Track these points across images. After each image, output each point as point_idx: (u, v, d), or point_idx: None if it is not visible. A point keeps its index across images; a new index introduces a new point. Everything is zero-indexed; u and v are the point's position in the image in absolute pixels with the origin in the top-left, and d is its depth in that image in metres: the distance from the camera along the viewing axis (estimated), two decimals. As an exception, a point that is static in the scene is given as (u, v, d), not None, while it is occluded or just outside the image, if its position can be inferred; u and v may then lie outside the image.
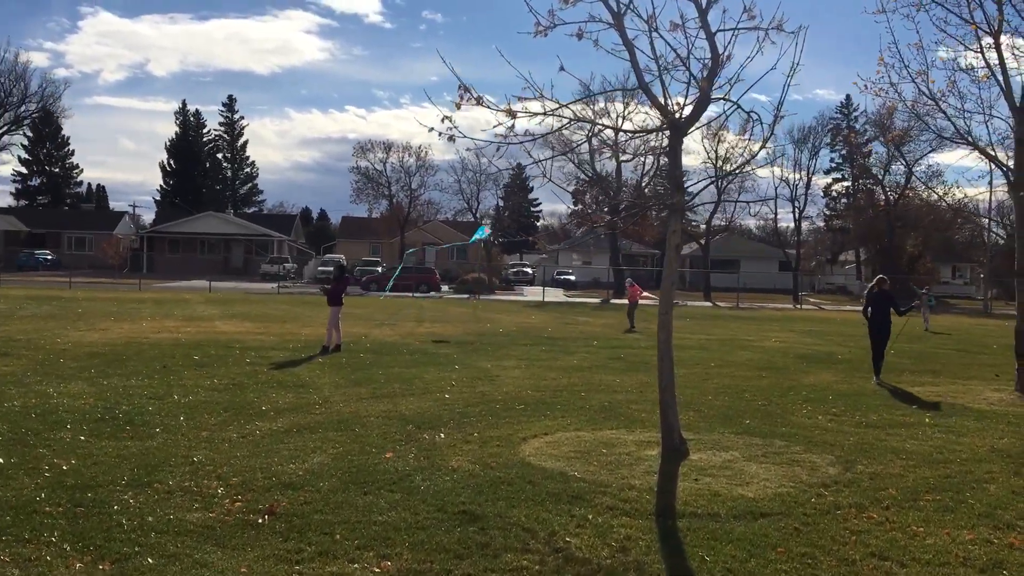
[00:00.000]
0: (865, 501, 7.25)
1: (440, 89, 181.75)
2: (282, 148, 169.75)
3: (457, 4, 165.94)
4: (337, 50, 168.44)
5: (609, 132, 8.78)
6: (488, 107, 8.60)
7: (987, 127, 14.82)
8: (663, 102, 8.82)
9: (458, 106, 8.69)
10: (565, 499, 7.04)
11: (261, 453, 8.36)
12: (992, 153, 14.25)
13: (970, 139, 14.08)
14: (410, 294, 50.26)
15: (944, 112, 13.81)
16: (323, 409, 10.89)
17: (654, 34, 8.62)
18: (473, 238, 22.49)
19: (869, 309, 16.09)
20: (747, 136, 9.23)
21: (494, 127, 8.41)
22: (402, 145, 71.93)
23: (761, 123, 8.88)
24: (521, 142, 8.99)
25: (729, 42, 8.71)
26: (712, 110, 9.04)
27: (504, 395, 12.43)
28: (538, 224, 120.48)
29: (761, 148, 8.87)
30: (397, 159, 71.51)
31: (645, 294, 63.89)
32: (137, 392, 11.69)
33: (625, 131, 8.26)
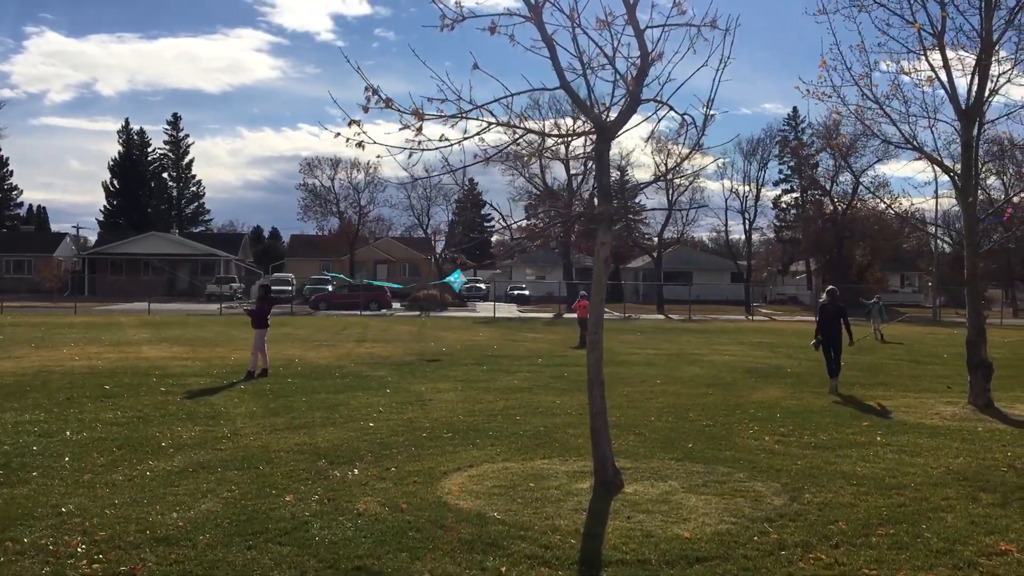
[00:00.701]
0: (812, 538, 6.54)
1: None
2: (234, 167, 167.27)
3: (409, 22, 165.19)
4: (289, 68, 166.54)
5: (534, 137, 8.18)
6: (397, 110, 7.84)
7: (932, 132, 14.41)
8: (588, 104, 8.12)
9: (365, 109, 7.91)
10: (479, 547, 6.23)
11: (144, 499, 7.42)
12: (938, 158, 13.81)
13: (915, 144, 13.63)
14: (358, 312, 49.15)
15: (888, 116, 13.34)
16: (230, 444, 9.95)
17: (577, 30, 7.94)
18: (453, 283, 21.64)
19: (819, 332, 15.81)
20: (682, 140, 8.55)
21: (400, 129, 7.63)
22: (350, 162, 70.64)
23: (695, 125, 8.21)
24: (437, 147, 8.22)
25: (659, 39, 8.05)
26: (649, 114, 8.35)
27: (433, 422, 11.59)
28: (492, 239, 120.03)
29: (692, 151, 8.19)
30: (346, 176, 70.32)
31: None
32: (27, 428, 10.64)
33: (550, 135, 7.68)
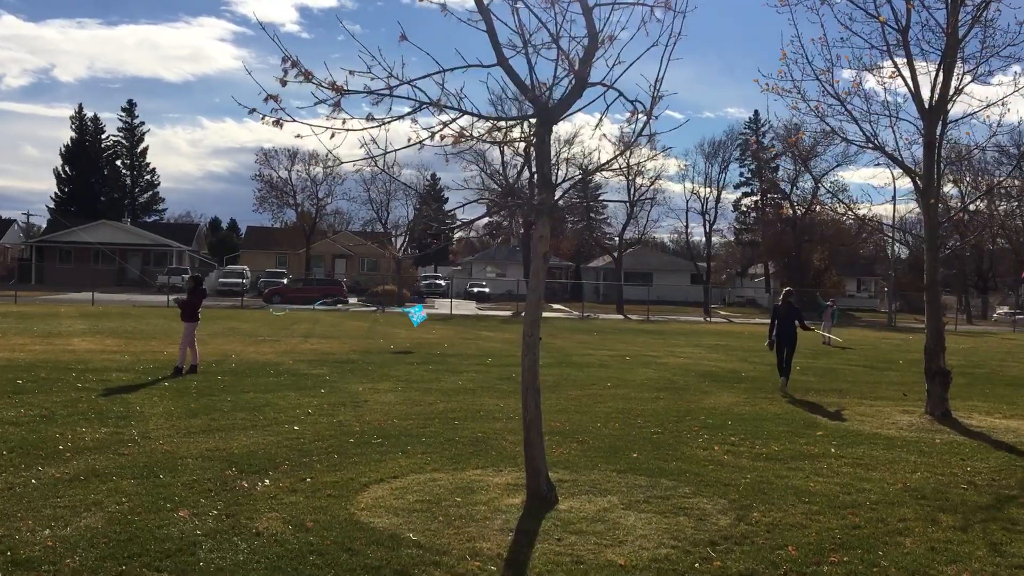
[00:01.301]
0: (759, 566, 5.92)
1: (359, 99, 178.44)
2: (194, 157, 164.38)
3: (374, 15, 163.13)
4: (252, 59, 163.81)
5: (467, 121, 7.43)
6: (316, 83, 7.11)
7: (894, 133, 13.95)
8: (529, 84, 7.43)
9: (283, 83, 7.16)
10: None
11: (18, 512, 6.60)
12: (899, 158, 13.34)
13: (876, 143, 13.15)
14: (311, 307, 48.04)
15: (850, 114, 12.83)
16: (135, 448, 9.11)
17: (519, 3, 7.27)
18: (413, 318, 21.07)
19: (773, 332, 16.12)
20: (631, 125, 7.88)
21: (315, 104, 6.90)
22: (308, 154, 69.34)
23: (644, 110, 7.56)
24: (363, 129, 7.51)
25: (608, 18, 7.40)
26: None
27: (365, 426, 10.83)
28: (453, 236, 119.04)
29: (639, 134, 7.52)
30: (304, 168, 68.97)
31: (557, 306, 63.26)
32: (-87, 428, 9.71)
33: (484, 117, 7.00)
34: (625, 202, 65.91)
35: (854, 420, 12.81)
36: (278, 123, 7.33)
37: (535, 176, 6.71)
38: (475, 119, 7.68)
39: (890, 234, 21.83)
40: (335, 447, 9.43)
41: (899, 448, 10.64)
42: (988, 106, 12.84)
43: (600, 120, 8.38)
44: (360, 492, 7.59)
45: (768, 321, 16.89)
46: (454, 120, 7.67)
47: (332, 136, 7.38)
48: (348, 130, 7.40)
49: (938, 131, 12.73)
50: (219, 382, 14.39)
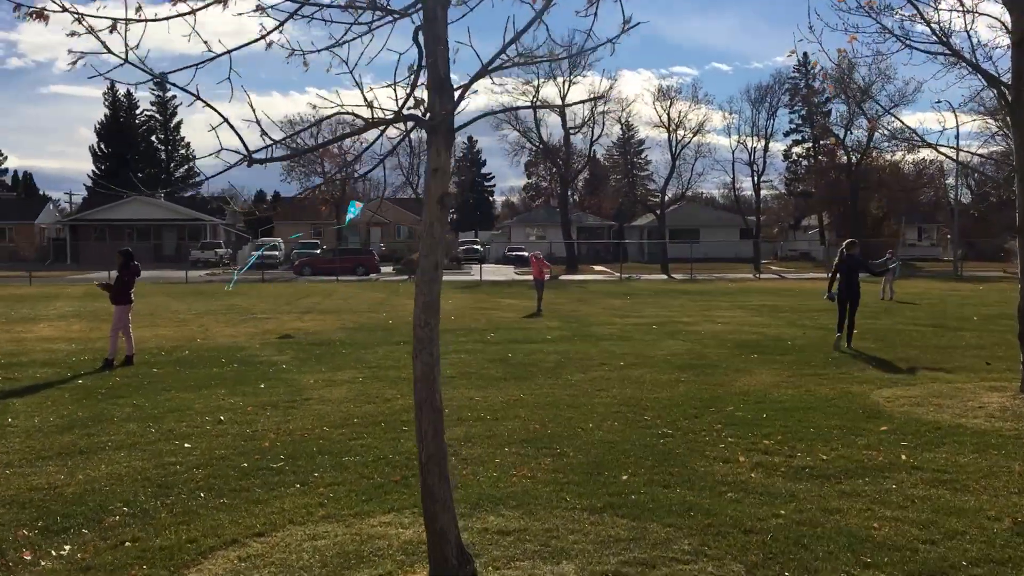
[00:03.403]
0: None
1: (401, 67, 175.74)
2: (243, 131, 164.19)
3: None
4: (295, 31, 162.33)
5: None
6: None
7: (969, 37, 10.91)
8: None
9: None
10: None
11: None
12: (976, 61, 10.29)
13: (948, 42, 10.10)
14: (336, 278, 45.88)
15: (913, 4, 9.81)
16: (-63, 488, 6.73)
17: None
18: (347, 219, 18.80)
19: (834, 284, 14.95)
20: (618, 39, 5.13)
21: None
22: (335, 119, 66.87)
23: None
24: (170, 18, 4.98)
25: None
26: None
27: (279, 439, 8.32)
28: (492, 199, 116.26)
29: (622, 34, 4.73)
30: (330, 134, 66.37)
31: (600, 268, 60.11)
32: None
33: (355, 6, 4.96)
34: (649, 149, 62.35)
35: (929, 404, 9.95)
36: (40, 16, 4.84)
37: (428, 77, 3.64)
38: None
39: (953, 157, 18.62)
40: (212, 478, 6.93)
41: (995, 449, 7.81)
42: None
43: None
44: (190, 567, 5.08)
45: (827, 274, 16.20)
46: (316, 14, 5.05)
47: (112, 29, 4.82)
48: (143, 20, 4.87)
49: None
50: (147, 377, 12.02)
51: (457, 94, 4.74)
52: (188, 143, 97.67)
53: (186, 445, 8.04)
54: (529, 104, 59.12)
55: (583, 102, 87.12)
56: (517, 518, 5.91)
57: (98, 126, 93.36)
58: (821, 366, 12.99)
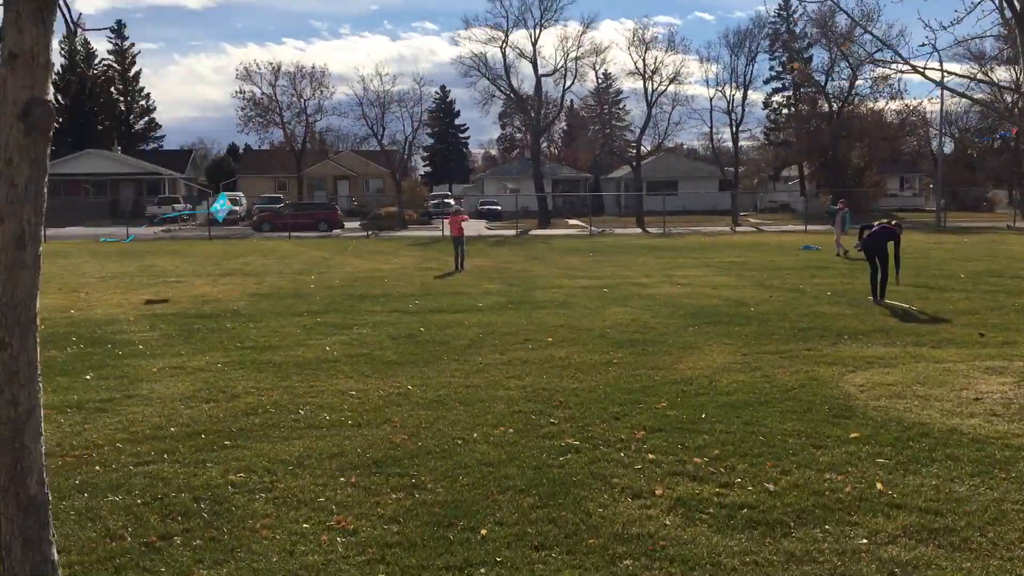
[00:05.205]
0: None
1: (379, 17, 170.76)
2: (220, 84, 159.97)
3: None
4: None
5: None
6: None
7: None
8: None
9: None
10: None
11: None
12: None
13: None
14: (288, 235, 43.45)
15: None
16: None
17: None
18: (215, 209, 16.97)
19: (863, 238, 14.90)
20: None
21: None
22: (295, 66, 63.93)
23: None
24: None
25: None
26: None
27: (49, 460, 6.18)
28: (468, 151, 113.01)
29: None
30: (289, 83, 63.41)
31: (574, 222, 57.68)
32: None
33: None
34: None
35: (912, 395, 7.93)
36: None
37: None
38: None
39: (936, 80, 16.65)
40: None
41: (1002, 470, 5.80)
42: None
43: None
44: None
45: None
46: None
47: None
48: None
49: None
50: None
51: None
52: (148, 94, 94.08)
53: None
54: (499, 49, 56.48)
55: None
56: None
57: (54, 76, 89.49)
58: (784, 339, 10.96)
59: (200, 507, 5.29)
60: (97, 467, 6.06)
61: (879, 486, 5.55)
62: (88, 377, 8.97)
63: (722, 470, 5.90)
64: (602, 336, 11.34)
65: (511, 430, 6.94)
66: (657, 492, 5.49)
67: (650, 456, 6.21)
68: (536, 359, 9.83)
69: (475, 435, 6.80)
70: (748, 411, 7.40)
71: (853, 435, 6.67)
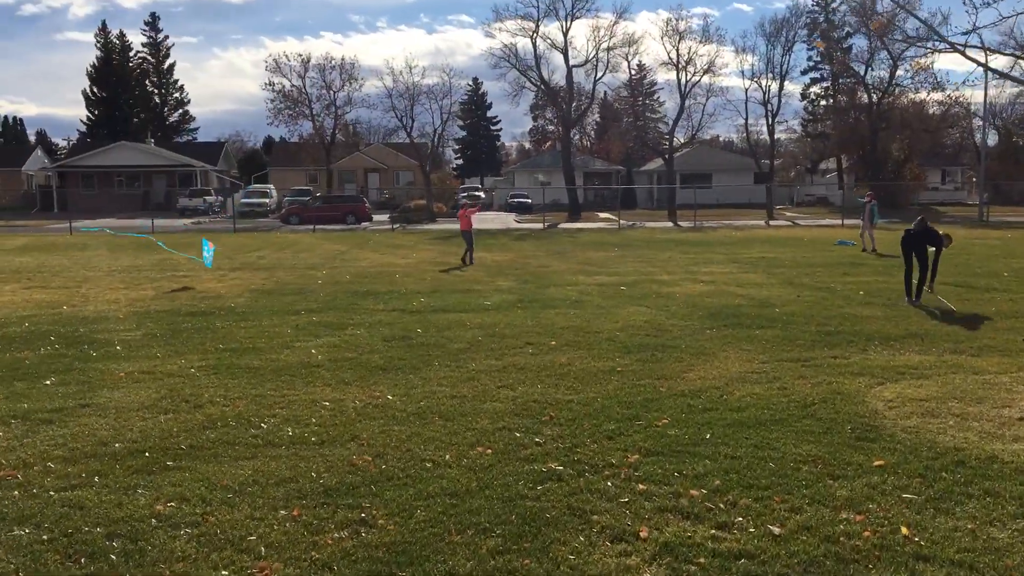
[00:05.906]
0: None
1: (416, 11, 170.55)
2: (257, 78, 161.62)
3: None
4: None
5: None
6: None
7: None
8: None
9: None
10: None
11: None
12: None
13: None
14: (313, 228, 42.99)
15: None
16: None
17: None
18: (207, 259, 16.61)
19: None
20: None
21: None
22: (324, 58, 63.45)
23: None
24: None
25: None
26: None
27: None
28: (500, 144, 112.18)
29: None
30: (319, 75, 62.94)
31: (604, 215, 56.54)
32: None
33: None
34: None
35: (947, 412, 7.06)
36: None
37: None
38: None
39: (980, 61, 15.61)
40: None
41: (1052, 516, 4.94)
42: None
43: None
44: None
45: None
46: None
47: None
48: None
49: None
50: (-74, 366, 9.29)
51: None
52: (182, 86, 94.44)
53: None
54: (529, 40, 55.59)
55: None
56: None
57: (90, 69, 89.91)
58: (808, 345, 10.09)
59: (112, 545, 4.61)
60: (15, 492, 5.42)
61: (904, 530, 4.72)
62: (48, 382, 8.35)
63: (721, 506, 5.11)
64: (610, 339, 10.53)
65: (489, 451, 6.19)
66: (642, 534, 4.71)
67: (640, 487, 5.44)
68: (534, 365, 9.06)
69: (447, 456, 6.07)
70: (759, 431, 6.58)
71: (877, 463, 5.84)
